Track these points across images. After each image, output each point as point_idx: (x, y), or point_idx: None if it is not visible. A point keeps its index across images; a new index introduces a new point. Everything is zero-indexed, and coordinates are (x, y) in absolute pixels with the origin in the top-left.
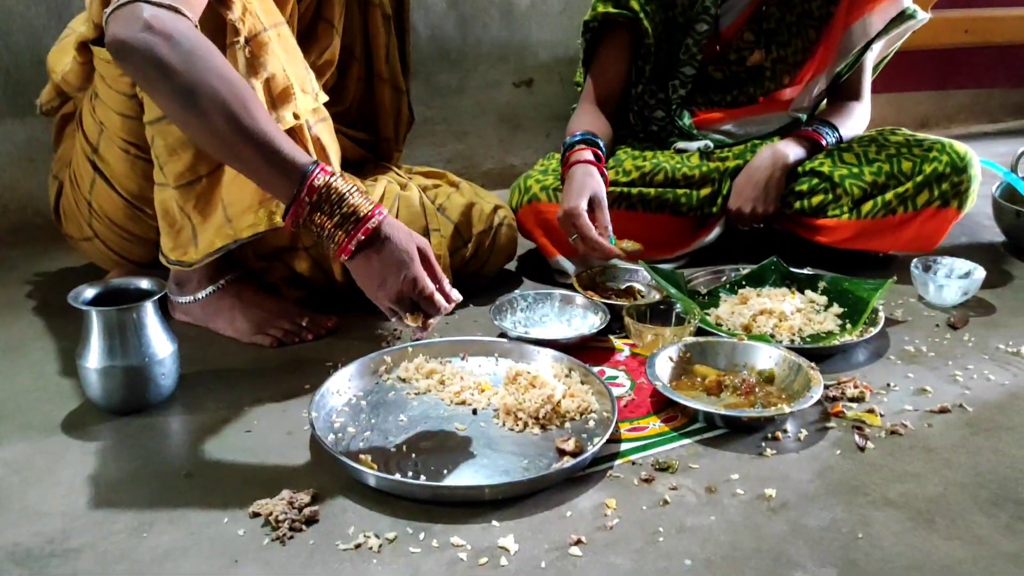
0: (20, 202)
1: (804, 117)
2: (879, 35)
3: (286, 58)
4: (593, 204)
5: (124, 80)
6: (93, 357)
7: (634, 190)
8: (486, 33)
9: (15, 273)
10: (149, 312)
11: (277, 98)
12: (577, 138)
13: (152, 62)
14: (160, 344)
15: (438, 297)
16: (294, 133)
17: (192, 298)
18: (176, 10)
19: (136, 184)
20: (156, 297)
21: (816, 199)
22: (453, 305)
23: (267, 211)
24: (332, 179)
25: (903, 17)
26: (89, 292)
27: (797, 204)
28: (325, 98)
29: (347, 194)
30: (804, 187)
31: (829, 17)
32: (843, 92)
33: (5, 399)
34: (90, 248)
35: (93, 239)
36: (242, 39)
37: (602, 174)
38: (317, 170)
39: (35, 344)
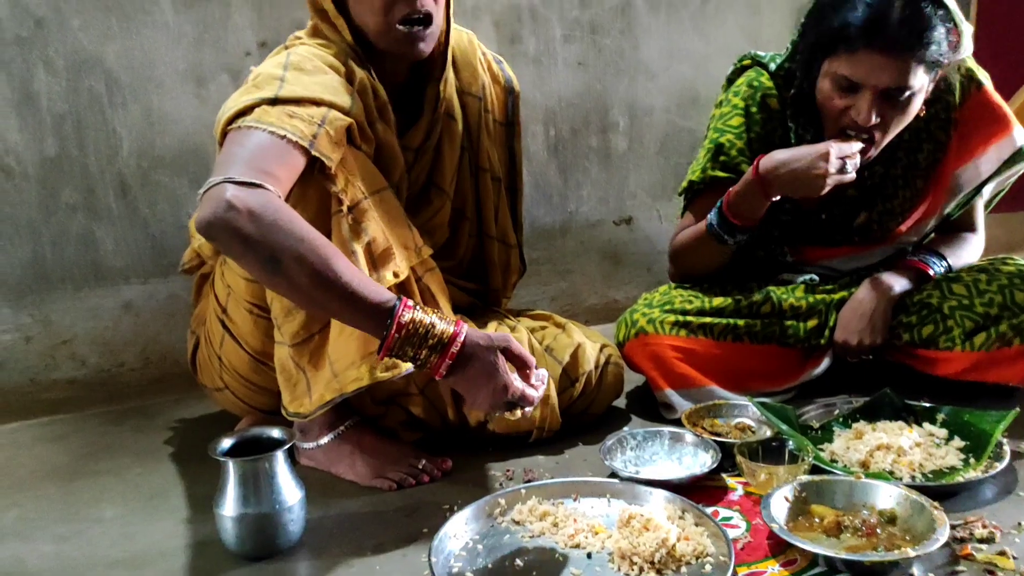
0: (161, 353)
1: (911, 247)
2: (991, 177)
3: (387, 221)
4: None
5: None
6: (229, 505)
7: (741, 321)
8: (586, 177)
9: (157, 420)
10: (280, 461)
11: (378, 259)
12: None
13: (236, 238)
14: (289, 492)
15: (528, 392)
16: (403, 284)
17: (315, 444)
18: (258, 186)
19: (259, 341)
20: (285, 447)
21: (926, 330)
22: (543, 388)
23: (369, 366)
24: (415, 313)
25: (1017, 157)
26: (226, 442)
27: (906, 336)
28: (430, 251)
29: (431, 323)
30: (913, 319)
31: (937, 164)
32: (955, 224)
33: (148, 545)
34: (222, 397)
35: (224, 390)
36: (345, 208)
37: None
38: (401, 308)
39: (175, 490)
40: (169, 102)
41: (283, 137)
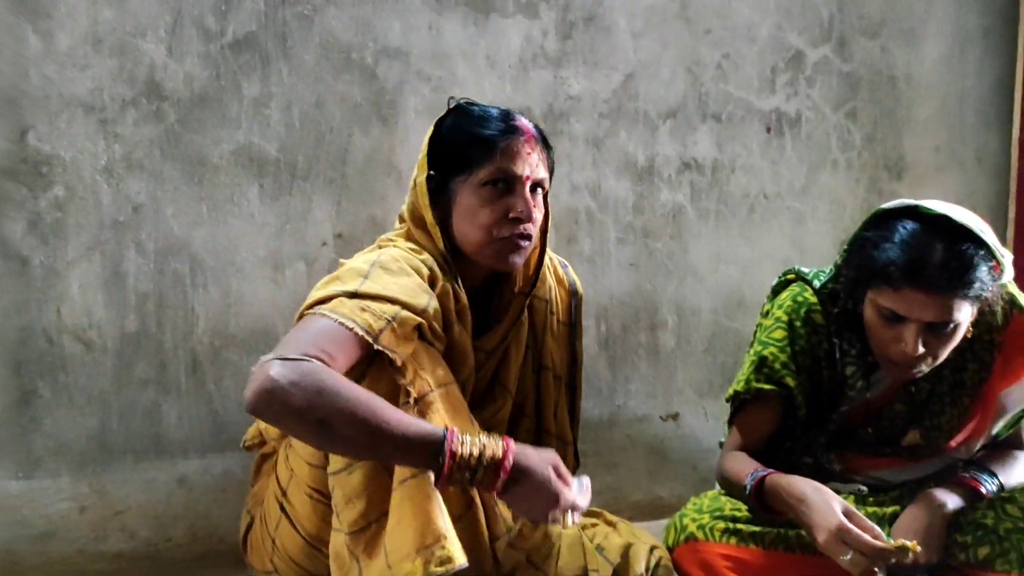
0: (209, 530)
1: (961, 462)
2: None
3: (451, 414)
4: (845, 511)
5: None
6: None
7: (792, 531)
8: (635, 372)
9: None
10: None
11: None
12: (759, 473)
13: (282, 409)
14: None
15: (579, 501)
16: None
17: None
18: (305, 358)
19: (316, 526)
20: None
21: (982, 552)
22: (588, 494)
23: (424, 560)
24: (464, 438)
25: None
26: None
27: (962, 556)
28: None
29: (482, 448)
30: (968, 539)
31: (983, 383)
32: (1004, 441)
33: None
34: None
35: (273, 573)
36: (411, 400)
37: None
38: (450, 436)
39: None
40: (247, 285)
41: (350, 328)
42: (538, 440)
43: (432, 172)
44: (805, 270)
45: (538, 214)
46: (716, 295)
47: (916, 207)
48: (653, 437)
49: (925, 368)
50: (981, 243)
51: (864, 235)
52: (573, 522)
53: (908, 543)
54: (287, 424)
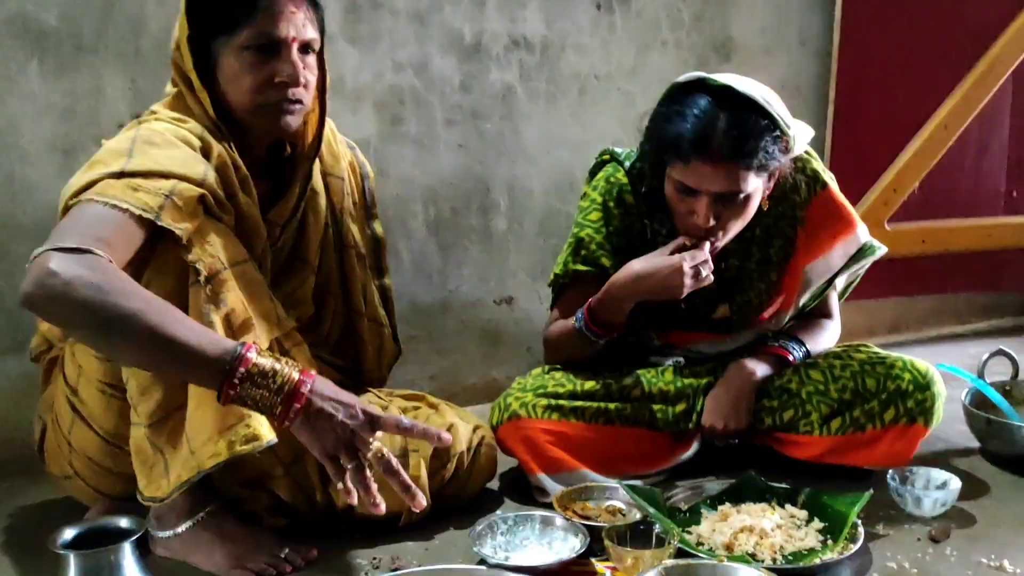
0: (8, 435)
1: (771, 332)
2: (840, 271)
3: (248, 293)
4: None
5: None
6: None
7: (612, 405)
8: (467, 256)
9: (1, 506)
10: (127, 554)
11: (237, 330)
12: (583, 308)
13: (61, 305)
14: None
15: (375, 445)
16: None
17: (171, 533)
18: (85, 251)
19: (112, 423)
20: (134, 538)
21: (787, 415)
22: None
23: (228, 440)
24: (259, 357)
25: (862, 253)
26: (68, 533)
27: (768, 420)
28: (292, 324)
29: (274, 369)
30: (774, 403)
31: (789, 258)
32: (812, 311)
33: None
34: (71, 486)
35: (74, 477)
36: (202, 278)
37: None
38: (244, 351)
39: None
40: (33, 171)
41: (124, 210)
42: (348, 321)
43: (194, 32)
44: (619, 150)
45: (310, 76)
46: (548, 177)
47: (704, 80)
48: (487, 321)
49: (719, 242)
50: (766, 114)
51: (659, 111)
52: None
53: None
54: (66, 320)
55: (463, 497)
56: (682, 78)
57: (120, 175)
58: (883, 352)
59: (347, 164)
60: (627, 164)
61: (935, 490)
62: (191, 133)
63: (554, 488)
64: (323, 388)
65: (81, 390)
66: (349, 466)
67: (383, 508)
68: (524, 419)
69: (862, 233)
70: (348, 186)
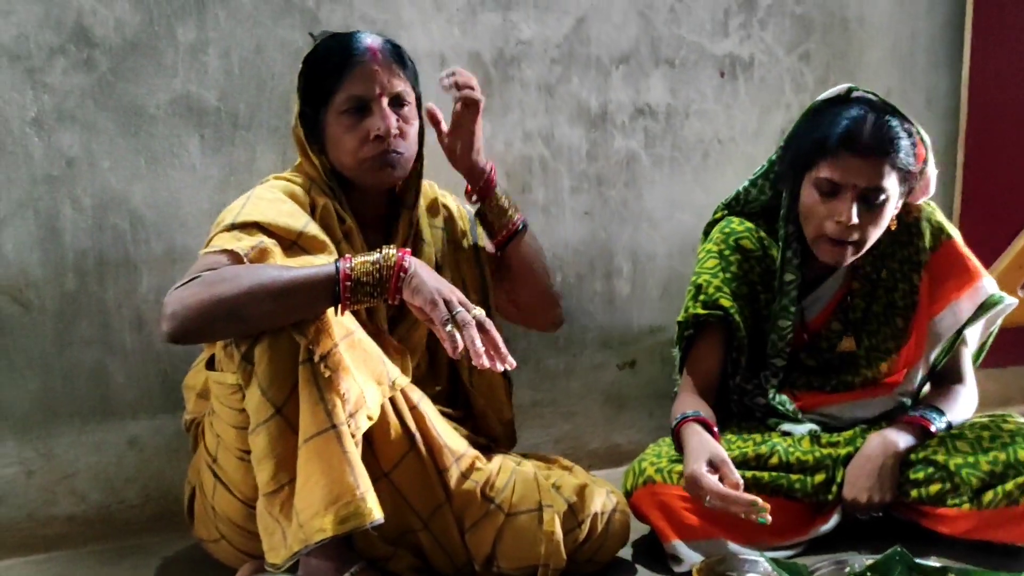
0: (163, 491)
1: (909, 401)
2: (968, 322)
3: (361, 361)
4: (715, 463)
5: (235, 396)
6: None
7: (748, 473)
8: (591, 320)
9: (155, 559)
10: None
11: (353, 407)
12: (683, 416)
13: (192, 321)
14: None
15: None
16: (397, 413)
17: None
18: (194, 279)
19: (250, 488)
20: None
21: (934, 488)
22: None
23: (334, 516)
24: (355, 262)
25: (988, 305)
26: None
27: (914, 493)
28: (405, 381)
29: (374, 262)
30: (920, 475)
31: (914, 307)
32: (945, 376)
33: None
34: (218, 549)
35: (221, 540)
36: (316, 357)
37: (714, 436)
38: (342, 264)
39: None
40: (192, 240)
41: (229, 251)
42: (470, 366)
43: (306, 108)
44: (729, 198)
45: (406, 126)
46: (671, 241)
47: (848, 89)
48: (610, 384)
49: (851, 252)
50: (907, 120)
51: (803, 121)
52: (472, 338)
53: (759, 500)
54: (203, 328)
55: (597, 562)
56: (826, 94)
57: (231, 227)
58: None
59: (451, 214)
60: (742, 188)
61: None
62: (299, 188)
63: (690, 556)
64: (420, 263)
65: (220, 458)
66: (455, 312)
67: (485, 362)
68: (660, 484)
69: (988, 284)
70: (452, 234)
